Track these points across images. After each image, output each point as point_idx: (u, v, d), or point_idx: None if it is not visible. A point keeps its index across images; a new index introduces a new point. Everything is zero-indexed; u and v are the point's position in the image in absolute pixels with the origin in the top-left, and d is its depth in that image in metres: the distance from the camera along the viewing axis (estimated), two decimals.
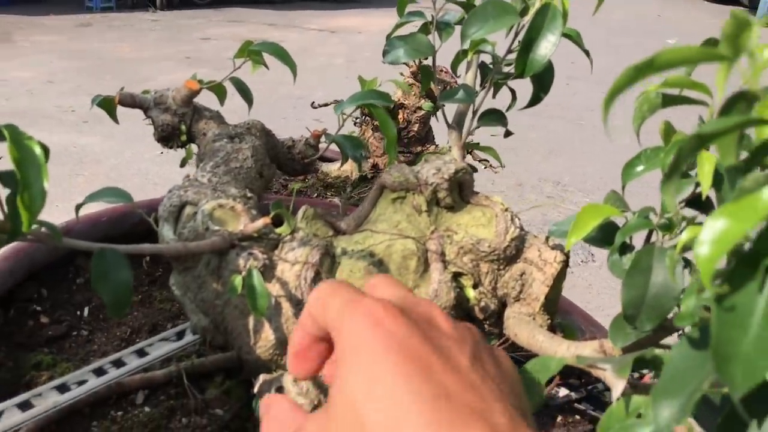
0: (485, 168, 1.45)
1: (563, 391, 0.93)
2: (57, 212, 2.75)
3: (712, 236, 0.35)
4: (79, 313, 0.91)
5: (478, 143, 1.05)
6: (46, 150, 0.55)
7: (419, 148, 1.50)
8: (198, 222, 0.72)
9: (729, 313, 0.35)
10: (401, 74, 1.45)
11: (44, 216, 0.54)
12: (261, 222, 0.71)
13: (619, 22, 9.62)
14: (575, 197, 4.81)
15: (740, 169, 0.40)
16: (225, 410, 0.81)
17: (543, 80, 0.82)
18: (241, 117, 0.93)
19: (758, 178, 0.36)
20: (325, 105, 1.37)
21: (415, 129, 1.47)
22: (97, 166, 3.80)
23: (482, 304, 0.76)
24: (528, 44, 0.75)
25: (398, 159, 1.44)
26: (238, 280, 0.67)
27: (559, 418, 0.91)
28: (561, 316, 1.05)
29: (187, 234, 0.73)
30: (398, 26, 0.90)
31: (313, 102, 1.48)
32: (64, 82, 5.48)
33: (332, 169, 1.60)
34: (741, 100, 0.40)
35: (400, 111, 1.43)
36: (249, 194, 0.78)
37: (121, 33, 7.77)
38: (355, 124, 1.50)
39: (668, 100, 0.64)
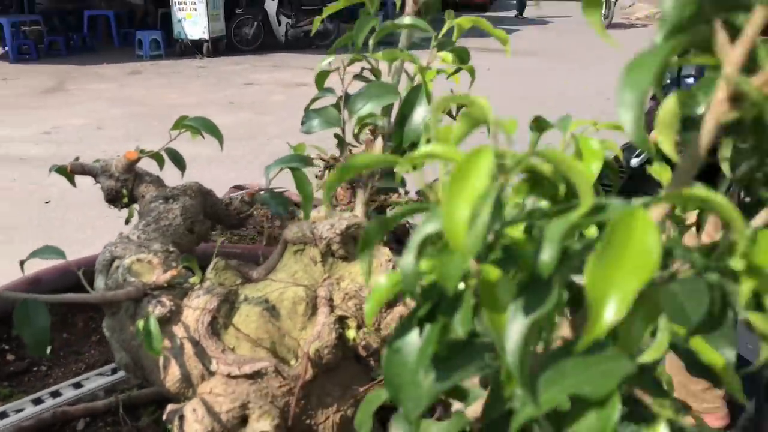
0: None
1: None
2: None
3: (374, 294, 0.47)
4: None
5: (395, 202, 1.16)
6: None
7: (383, 197, 1.62)
8: (118, 274, 0.86)
9: (396, 353, 0.47)
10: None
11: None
12: (168, 274, 0.84)
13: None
14: None
15: None
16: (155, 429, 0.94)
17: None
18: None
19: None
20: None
21: (375, 179, 1.59)
22: None
23: (364, 343, 0.87)
24: (402, 119, 0.87)
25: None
26: (141, 324, 0.80)
27: None
28: None
29: (111, 284, 0.87)
30: (314, 100, 1.03)
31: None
32: (113, 128, 5.76)
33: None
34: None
35: None
36: (172, 249, 0.92)
37: (169, 80, 8.11)
38: (316, 176, 1.63)
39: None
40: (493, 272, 0.41)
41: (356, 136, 1.01)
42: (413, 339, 0.46)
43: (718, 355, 0.58)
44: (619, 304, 0.33)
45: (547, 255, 0.38)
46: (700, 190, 0.38)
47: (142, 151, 0.99)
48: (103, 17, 11.77)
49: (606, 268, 0.34)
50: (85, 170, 0.99)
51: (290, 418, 0.82)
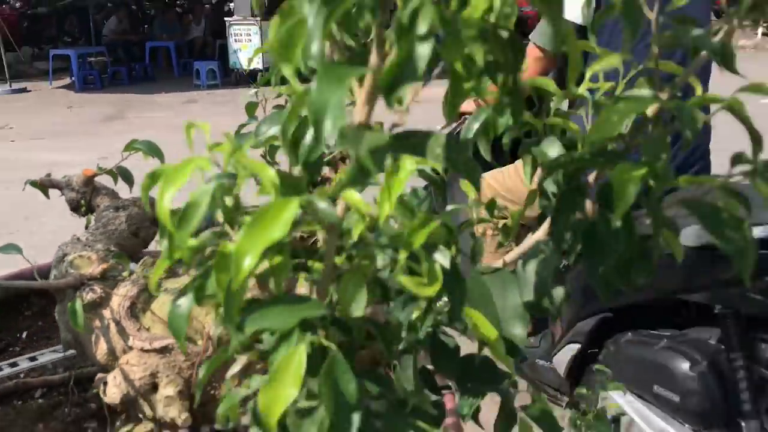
0: None
1: None
2: None
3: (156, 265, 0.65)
4: (18, 335, 1.26)
5: None
6: None
7: None
8: (63, 267, 1.06)
9: (177, 308, 0.64)
10: None
11: None
12: (100, 267, 1.04)
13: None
14: None
15: None
16: (97, 405, 1.13)
17: (315, 168, 1.11)
18: None
19: None
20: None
21: None
22: None
23: None
24: (295, 143, 1.05)
25: None
26: (70, 305, 1.00)
27: None
28: None
29: (57, 275, 1.07)
30: (242, 126, 1.22)
31: None
32: (166, 154, 6.12)
33: None
34: None
35: None
36: (113, 248, 1.12)
37: (224, 108, 8.50)
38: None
39: None
40: (228, 246, 0.59)
41: (264, 156, 1.19)
42: (189, 298, 0.64)
43: (491, 329, 0.74)
44: (252, 258, 0.50)
45: None
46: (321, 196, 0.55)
47: (100, 169, 1.20)
48: (164, 48, 12.39)
49: (251, 235, 0.51)
50: (53, 184, 1.21)
51: (191, 388, 1.00)
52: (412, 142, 0.56)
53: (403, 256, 0.58)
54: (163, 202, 0.54)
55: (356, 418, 0.56)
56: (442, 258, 0.62)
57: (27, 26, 14.87)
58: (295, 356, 0.52)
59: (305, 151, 1.01)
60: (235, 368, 0.82)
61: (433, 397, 0.88)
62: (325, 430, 0.54)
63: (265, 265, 0.55)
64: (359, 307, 0.62)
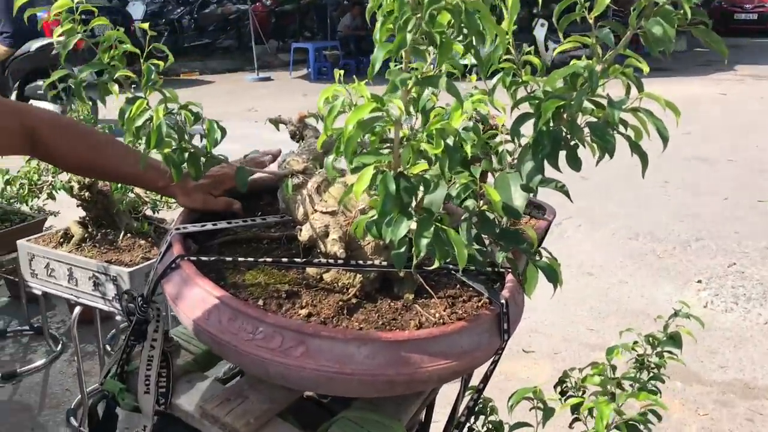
0: None
1: None
2: None
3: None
4: (258, 213, 2.09)
5: None
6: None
7: None
8: (283, 165, 1.86)
9: (328, 159, 1.39)
10: None
11: None
12: (302, 166, 1.83)
13: None
14: None
15: None
16: (296, 251, 1.92)
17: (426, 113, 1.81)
18: None
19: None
20: None
21: None
22: None
23: None
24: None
25: None
26: (284, 184, 1.79)
27: None
28: None
29: (280, 171, 1.88)
30: None
31: None
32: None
33: None
34: None
35: None
36: (310, 157, 1.90)
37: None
38: None
39: None
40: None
41: None
42: (333, 154, 1.38)
43: (496, 195, 1.40)
44: (352, 125, 1.22)
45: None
46: None
47: (308, 113, 1.99)
48: None
49: (352, 115, 1.22)
50: (281, 121, 2.02)
51: (347, 237, 1.75)
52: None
53: (424, 134, 1.27)
54: (348, 125, 1.28)
55: (395, 202, 1.25)
56: (449, 141, 1.29)
57: (274, 21, 16.85)
58: (369, 170, 1.24)
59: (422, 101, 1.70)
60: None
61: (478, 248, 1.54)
62: (379, 207, 1.24)
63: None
64: (413, 166, 1.31)
